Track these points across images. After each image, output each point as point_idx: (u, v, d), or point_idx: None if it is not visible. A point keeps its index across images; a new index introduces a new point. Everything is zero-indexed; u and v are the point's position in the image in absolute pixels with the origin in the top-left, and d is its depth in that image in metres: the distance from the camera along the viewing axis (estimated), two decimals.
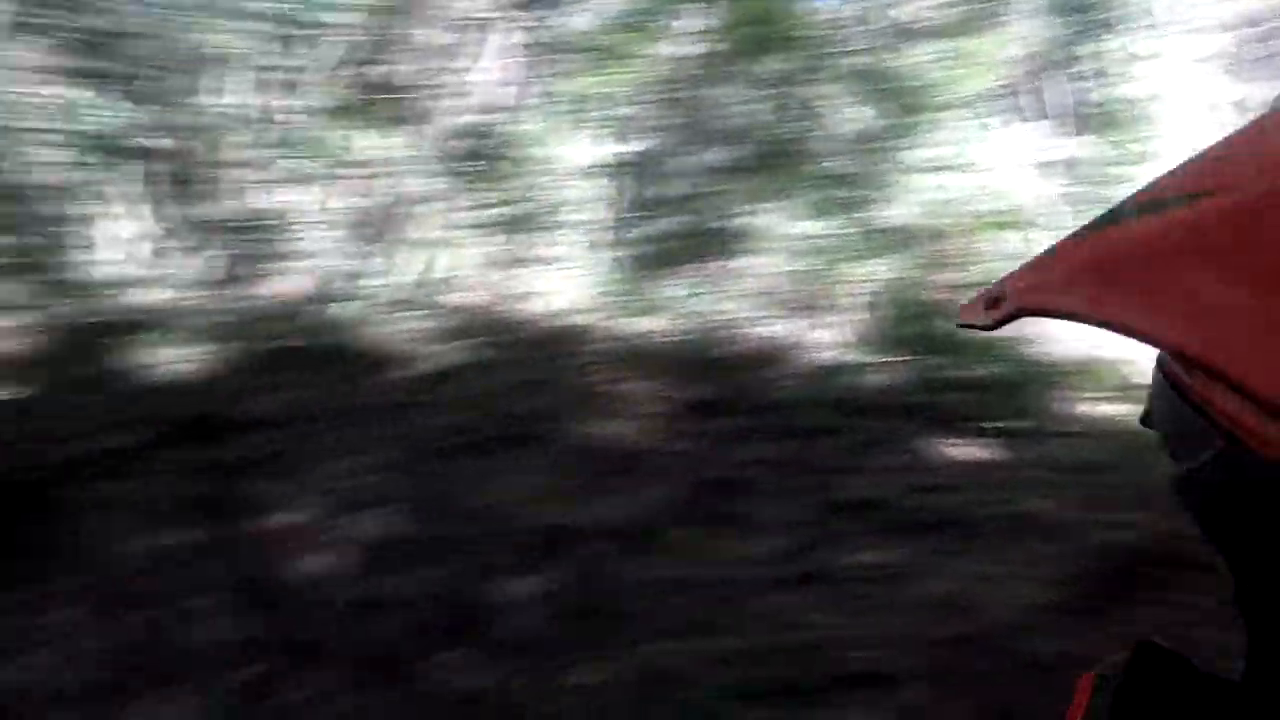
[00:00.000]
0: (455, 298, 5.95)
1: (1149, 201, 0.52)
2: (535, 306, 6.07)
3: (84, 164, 5.24)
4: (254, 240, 5.55)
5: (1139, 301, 0.45)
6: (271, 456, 4.77)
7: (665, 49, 6.28)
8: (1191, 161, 0.53)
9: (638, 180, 6.45)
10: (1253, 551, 0.47)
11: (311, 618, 3.91)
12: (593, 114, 6.24)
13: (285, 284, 5.58)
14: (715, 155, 6.53)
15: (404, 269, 5.96)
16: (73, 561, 4.30)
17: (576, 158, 6.20)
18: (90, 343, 4.89)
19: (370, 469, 4.74)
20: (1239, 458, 0.43)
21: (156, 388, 4.88)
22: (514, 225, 6.10)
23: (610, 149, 6.34)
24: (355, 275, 5.79)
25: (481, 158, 6.00)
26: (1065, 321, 0.52)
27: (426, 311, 5.82)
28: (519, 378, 5.50)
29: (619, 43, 6.20)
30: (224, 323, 5.20)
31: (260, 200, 5.60)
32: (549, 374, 5.59)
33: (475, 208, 6.04)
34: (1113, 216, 0.55)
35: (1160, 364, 0.53)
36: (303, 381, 5.20)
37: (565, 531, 4.26)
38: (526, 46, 6.06)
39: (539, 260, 6.16)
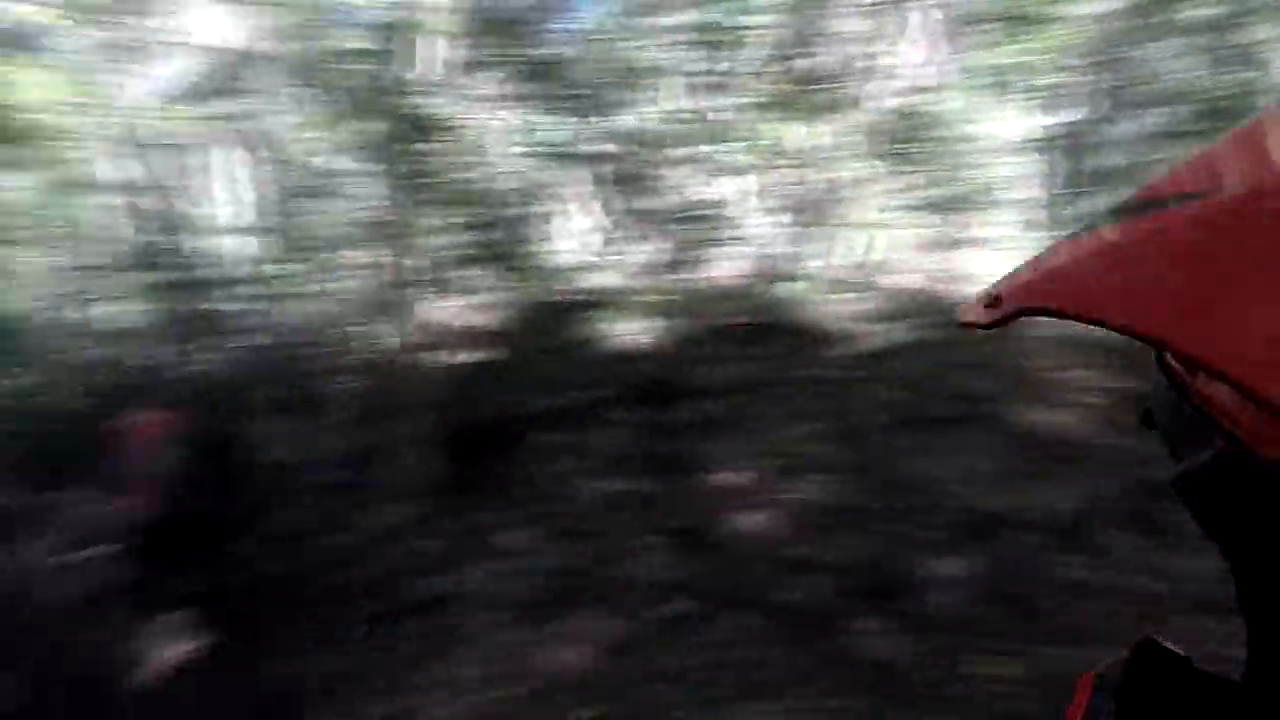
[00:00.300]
0: (891, 279, 5.74)
1: (1144, 202, 0.52)
2: (971, 288, 5.67)
3: (540, 170, 5.72)
4: (695, 228, 5.75)
5: (1138, 302, 0.45)
6: (716, 421, 4.89)
7: (1085, 8, 5.76)
8: (1187, 161, 0.53)
9: (1071, 153, 5.92)
10: (1253, 550, 0.46)
11: (740, 569, 4.03)
12: (1017, 85, 5.85)
13: (727, 267, 5.73)
14: (1152, 120, 5.82)
15: (840, 251, 5.83)
16: (528, 496, 4.69)
17: (1005, 133, 5.81)
18: (552, 318, 5.26)
19: (809, 438, 4.76)
20: (1239, 457, 0.43)
21: (611, 357, 5.15)
22: (946, 206, 5.82)
23: (1039, 121, 5.90)
24: (793, 258, 5.78)
25: (909, 140, 5.82)
26: (1066, 321, 0.52)
27: (863, 292, 5.67)
28: (956, 359, 5.20)
29: (1036, 6, 5.80)
30: (671, 301, 5.39)
31: (699, 192, 5.79)
32: (986, 357, 5.23)
33: (906, 190, 5.84)
34: (1109, 216, 0.54)
35: (1160, 364, 0.52)
36: (746, 355, 5.28)
37: (995, 518, 4.09)
38: (943, 23, 5.87)
39: (973, 241, 5.80)
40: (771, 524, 4.30)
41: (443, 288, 5.38)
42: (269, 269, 6.54)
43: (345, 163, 6.38)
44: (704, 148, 5.74)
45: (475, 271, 5.56)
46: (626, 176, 5.71)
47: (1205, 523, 0.50)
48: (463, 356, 5.24)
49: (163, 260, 5.75)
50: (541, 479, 4.67)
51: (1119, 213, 0.54)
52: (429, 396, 4.81)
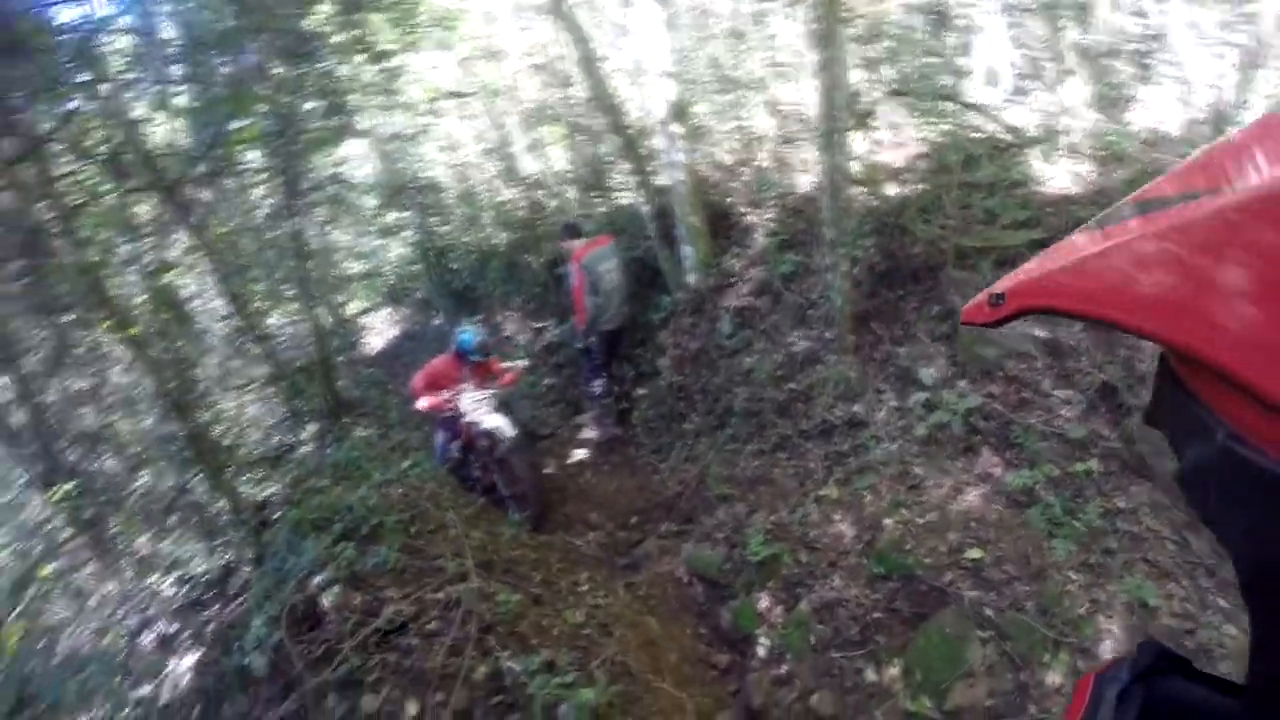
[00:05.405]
0: None
1: (1146, 200, 0.51)
2: None
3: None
4: (1128, 65, 4.81)
5: (1142, 301, 0.44)
6: None
7: None
8: (1191, 161, 0.52)
9: None
10: (1256, 547, 0.45)
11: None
12: None
13: (1163, 111, 4.76)
14: None
15: None
16: (944, 333, 4.50)
17: None
18: (974, 156, 4.83)
19: None
20: (1241, 454, 0.42)
21: (1035, 200, 4.62)
22: None
23: None
24: (1240, 104, 4.59)
25: None
26: (1068, 320, 0.57)
27: None
28: None
29: None
30: (1101, 146, 4.65)
31: (1133, 24, 4.79)
32: None
33: None
34: (1113, 215, 0.53)
35: (1163, 362, 0.52)
36: None
37: None
38: None
39: None
40: None
41: (868, 122, 5.23)
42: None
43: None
44: None
45: (899, 106, 5.29)
46: (1051, 4, 4.85)
47: (1208, 518, 0.48)
48: (887, 190, 5.10)
49: None
50: (956, 318, 4.49)
51: (1123, 212, 0.52)
52: (854, 228, 4.78)
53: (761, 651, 3.91)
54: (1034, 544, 3.47)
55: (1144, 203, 0.51)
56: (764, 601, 4.11)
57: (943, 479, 4.03)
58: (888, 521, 3.99)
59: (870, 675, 3.49)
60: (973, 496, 3.86)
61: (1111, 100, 4.94)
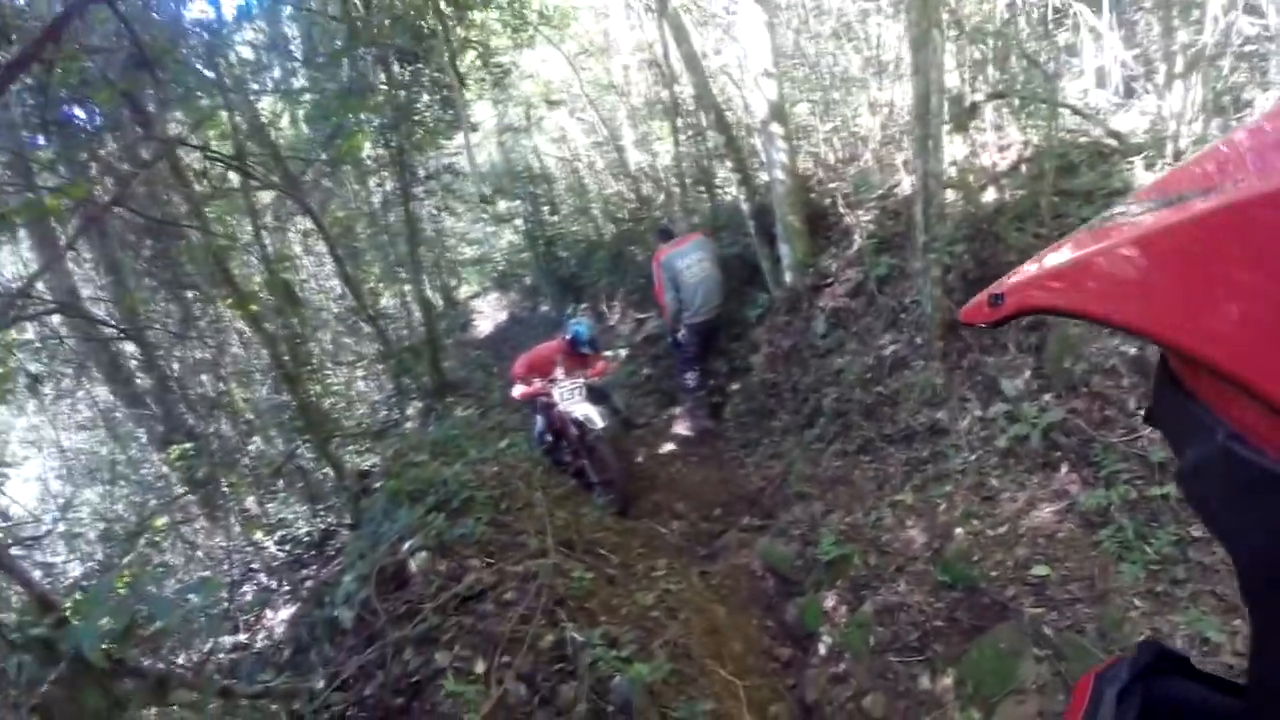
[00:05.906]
0: None
1: (1147, 199, 0.50)
2: None
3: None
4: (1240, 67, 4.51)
5: (1142, 300, 0.44)
6: None
7: None
8: (1194, 159, 0.51)
9: None
10: (1256, 546, 0.44)
11: None
12: None
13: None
14: None
15: None
16: (1030, 345, 4.39)
17: None
18: (1074, 161, 4.69)
19: None
20: (1242, 455, 0.41)
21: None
22: None
23: None
24: None
25: None
26: (1068, 320, 0.52)
27: None
28: None
29: None
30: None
31: (1245, 23, 4.47)
32: None
33: None
34: (1113, 213, 0.53)
35: (1164, 362, 0.52)
36: None
37: None
38: None
39: None
40: None
41: (964, 125, 5.13)
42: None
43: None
44: None
45: (998, 109, 5.15)
46: (1164, 3, 4.59)
47: (1208, 519, 0.48)
48: (985, 195, 5.00)
49: None
50: (1045, 330, 4.40)
51: (1124, 211, 0.52)
52: (948, 233, 4.74)
53: (822, 649, 4.00)
54: (1102, 566, 3.42)
55: (1147, 200, 0.51)
56: (830, 600, 4.19)
57: (1018, 493, 4.00)
58: (958, 531, 4.00)
59: (924, 682, 3.52)
60: (1046, 513, 3.81)
61: (1223, 105, 4.67)
